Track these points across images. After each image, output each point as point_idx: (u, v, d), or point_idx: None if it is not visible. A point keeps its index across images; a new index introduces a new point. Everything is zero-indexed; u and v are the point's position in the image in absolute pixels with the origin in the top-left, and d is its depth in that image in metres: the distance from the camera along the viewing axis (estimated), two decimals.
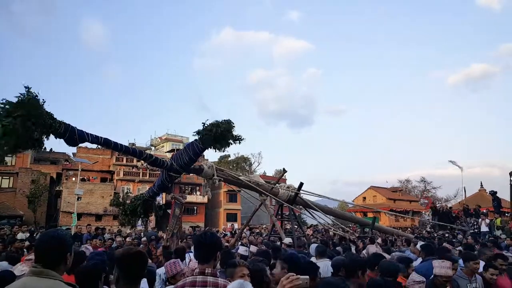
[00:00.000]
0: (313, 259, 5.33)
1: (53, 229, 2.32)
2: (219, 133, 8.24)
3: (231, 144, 8.80)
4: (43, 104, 6.74)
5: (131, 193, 29.31)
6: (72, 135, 7.32)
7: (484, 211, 18.73)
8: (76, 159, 37.42)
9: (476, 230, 15.45)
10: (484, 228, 15.29)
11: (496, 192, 18.55)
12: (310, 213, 13.03)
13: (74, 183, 35.40)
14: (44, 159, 43.16)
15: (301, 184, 12.38)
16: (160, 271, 4.57)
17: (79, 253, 4.79)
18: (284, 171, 13.02)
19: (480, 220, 16.15)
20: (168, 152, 47.77)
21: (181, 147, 51.20)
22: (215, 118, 8.56)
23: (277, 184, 12.97)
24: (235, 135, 8.63)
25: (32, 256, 4.28)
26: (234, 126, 8.59)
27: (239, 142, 8.82)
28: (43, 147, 7.39)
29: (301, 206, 12.51)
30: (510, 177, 17.35)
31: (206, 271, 2.56)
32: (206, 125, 8.42)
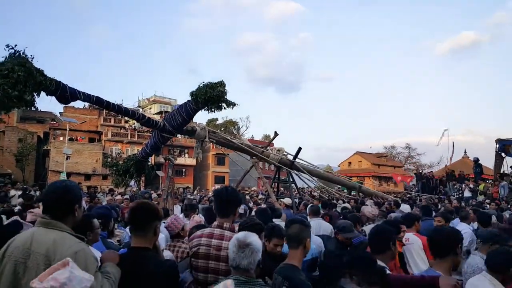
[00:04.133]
0: (308, 217, 5.56)
1: (61, 180, 2.30)
2: (214, 96, 8.16)
3: (224, 108, 8.77)
4: (31, 60, 6.55)
5: (123, 153, 29.40)
6: (64, 93, 7.14)
7: (467, 177, 19.38)
8: (64, 119, 36.78)
9: (460, 195, 16.06)
10: (467, 194, 15.89)
11: (478, 159, 19.16)
12: (298, 175, 13.34)
13: (62, 142, 35.00)
14: (30, 118, 42.25)
15: (300, 149, 12.66)
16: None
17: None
18: (276, 134, 13.09)
19: (463, 185, 16.75)
20: (156, 114, 47.19)
21: (169, 109, 50.87)
22: (202, 81, 8.46)
23: (268, 147, 13.15)
24: (229, 101, 8.58)
25: (36, 210, 4.33)
26: (227, 91, 8.52)
27: (232, 108, 8.80)
28: (34, 105, 7.22)
29: (289, 169, 12.80)
30: (496, 144, 17.85)
31: (224, 225, 2.64)
32: (200, 86, 8.33)
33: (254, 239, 2.09)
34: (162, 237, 4.69)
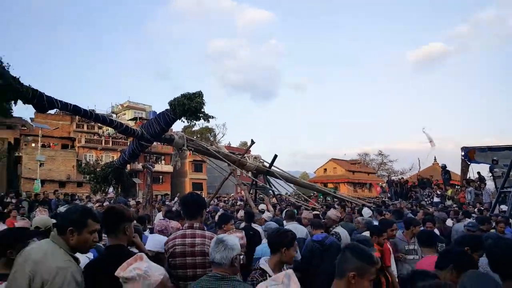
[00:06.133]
0: (284, 222, 5.85)
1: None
2: (192, 107, 8.39)
3: (203, 120, 9.02)
4: (8, 68, 6.55)
5: (101, 160, 28.91)
6: (41, 101, 7.18)
7: (435, 183, 20.18)
8: (35, 124, 35.72)
9: (431, 201, 16.76)
10: (436, 199, 16.62)
11: (446, 166, 20.06)
12: (277, 182, 13.69)
13: (34, 149, 33.96)
14: None
15: (275, 156, 13.03)
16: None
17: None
18: (252, 142, 13.35)
19: (432, 191, 17.50)
20: (130, 120, 46.45)
21: (144, 115, 50.27)
22: (176, 87, 8.71)
23: (245, 155, 13.42)
24: (206, 114, 8.86)
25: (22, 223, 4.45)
26: (205, 102, 8.77)
27: (208, 121, 9.07)
28: (11, 114, 7.21)
29: (268, 176, 13.11)
30: (462, 151, 18.76)
31: (194, 225, 2.93)
32: (179, 96, 8.52)
33: (230, 238, 2.34)
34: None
